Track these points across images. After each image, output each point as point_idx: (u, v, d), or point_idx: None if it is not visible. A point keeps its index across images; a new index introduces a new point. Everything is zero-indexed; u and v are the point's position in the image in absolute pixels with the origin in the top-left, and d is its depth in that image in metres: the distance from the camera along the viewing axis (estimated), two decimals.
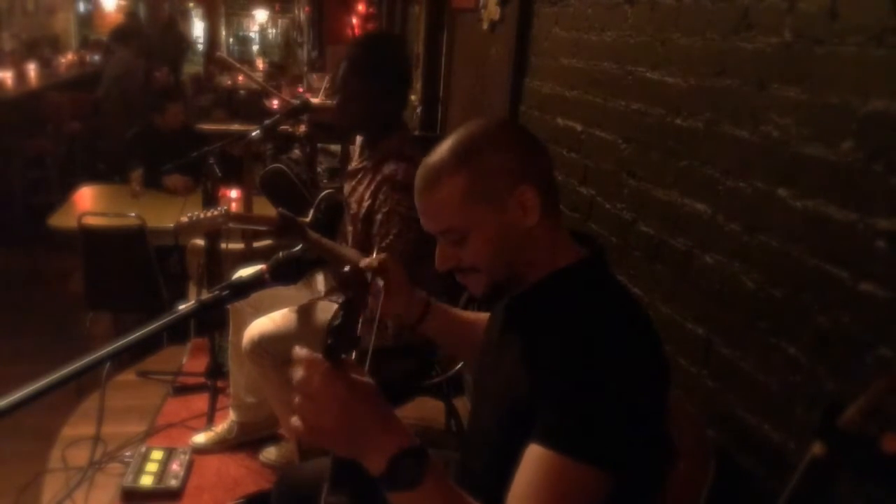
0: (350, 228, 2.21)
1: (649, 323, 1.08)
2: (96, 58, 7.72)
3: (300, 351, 0.89)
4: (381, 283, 1.33)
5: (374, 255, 1.99)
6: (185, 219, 2.20)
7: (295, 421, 0.88)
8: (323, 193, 2.49)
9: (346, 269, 0.93)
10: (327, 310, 2.19)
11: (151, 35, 8.92)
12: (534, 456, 0.95)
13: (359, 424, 0.85)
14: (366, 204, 2.09)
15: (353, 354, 1.13)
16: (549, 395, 0.98)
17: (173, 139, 4.05)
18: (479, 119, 1.19)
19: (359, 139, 2.31)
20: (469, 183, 1.08)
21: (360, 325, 0.91)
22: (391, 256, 1.36)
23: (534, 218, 1.09)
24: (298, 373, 0.87)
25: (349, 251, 2.13)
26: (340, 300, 0.91)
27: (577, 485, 0.93)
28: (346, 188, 2.26)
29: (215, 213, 2.22)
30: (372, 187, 2.08)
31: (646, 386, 1.01)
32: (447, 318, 1.44)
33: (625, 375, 0.98)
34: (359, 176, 2.19)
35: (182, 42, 8.56)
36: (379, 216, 2.03)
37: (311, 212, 2.47)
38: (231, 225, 2.33)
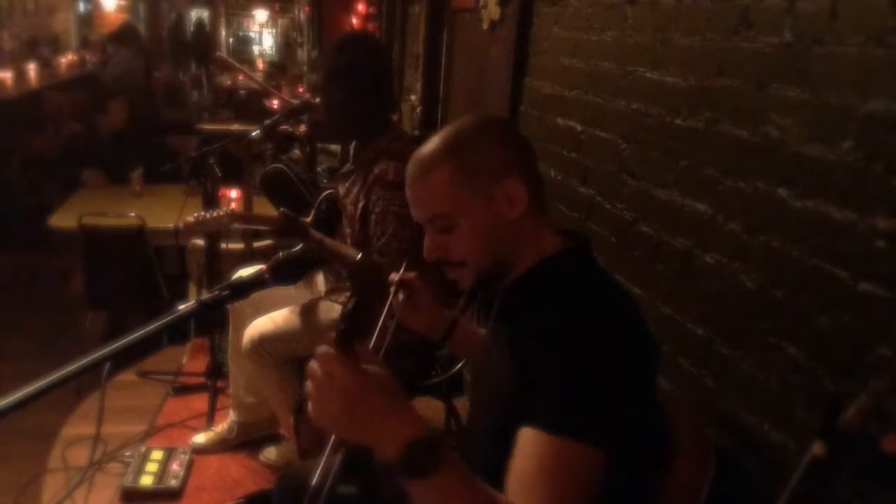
0: (348, 230, 2.22)
1: (633, 305, 1.11)
2: (94, 61, 7.73)
3: (321, 347, 0.88)
4: (401, 296, 1.39)
5: (375, 258, 2.01)
6: (191, 219, 2.22)
7: (308, 408, 0.88)
8: (324, 193, 2.49)
9: (358, 257, 0.94)
10: (328, 310, 2.19)
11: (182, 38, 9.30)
12: (526, 439, 0.97)
13: (367, 414, 0.85)
14: (360, 205, 2.10)
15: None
16: (537, 379, 1.00)
17: (116, 136, 4.06)
18: (470, 115, 1.23)
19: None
20: (457, 171, 1.12)
21: (379, 314, 0.91)
22: (419, 276, 1.42)
23: (519, 210, 1.13)
24: (312, 364, 0.88)
25: (352, 250, 2.14)
26: (350, 288, 0.91)
27: (571, 464, 0.94)
28: (341, 190, 2.27)
29: (220, 212, 2.24)
30: (364, 188, 2.09)
31: (632, 364, 1.03)
32: (472, 337, 1.49)
33: (610, 355, 1.00)
34: (352, 177, 2.20)
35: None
36: (373, 216, 2.04)
37: (313, 212, 2.47)
38: (235, 225, 2.34)
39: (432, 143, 1.17)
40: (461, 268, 1.17)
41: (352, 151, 2.32)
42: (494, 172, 1.13)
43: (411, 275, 1.42)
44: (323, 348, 0.87)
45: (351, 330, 0.87)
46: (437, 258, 1.18)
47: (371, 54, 2.18)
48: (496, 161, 1.14)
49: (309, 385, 0.87)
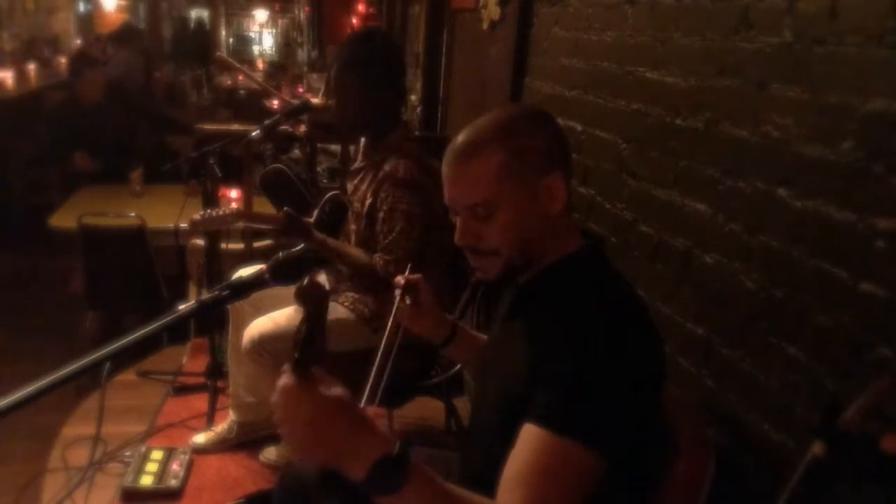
0: (353, 227, 2.22)
1: (644, 309, 1.12)
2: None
3: (280, 379, 0.87)
4: (408, 300, 1.38)
5: (380, 255, 2.01)
6: (197, 217, 2.23)
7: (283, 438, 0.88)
8: (328, 195, 2.50)
9: (305, 281, 0.93)
10: (329, 310, 2.19)
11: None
12: (526, 435, 0.97)
13: (329, 439, 0.84)
14: (368, 202, 2.10)
15: (378, 357, 1.14)
16: (544, 376, 1.00)
17: (95, 112, 4.05)
18: (517, 103, 1.21)
19: (362, 139, 2.31)
20: (507, 159, 1.09)
21: (324, 338, 0.91)
22: (422, 278, 1.41)
23: (559, 206, 1.12)
24: (274, 396, 0.87)
25: (355, 250, 2.14)
26: (302, 314, 0.91)
27: (567, 463, 0.94)
28: (349, 187, 2.27)
29: (226, 211, 2.26)
30: (373, 185, 2.09)
31: (641, 370, 1.03)
32: (471, 342, 1.49)
33: (620, 359, 1.00)
34: (360, 175, 2.20)
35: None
36: (381, 214, 2.04)
37: (316, 212, 2.47)
38: (241, 223, 2.36)
39: (480, 127, 1.13)
40: (491, 257, 1.14)
41: (360, 149, 2.32)
42: (542, 165, 1.11)
43: (417, 276, 1.41)
44: (282, 380, 0.86)
45: (306, 357, 0.86)
46: (468, 245, 1.15)
47: (387, 48, 2.20)
48: (545, 154, 1.12)
49: (277, 417, 0.86)
